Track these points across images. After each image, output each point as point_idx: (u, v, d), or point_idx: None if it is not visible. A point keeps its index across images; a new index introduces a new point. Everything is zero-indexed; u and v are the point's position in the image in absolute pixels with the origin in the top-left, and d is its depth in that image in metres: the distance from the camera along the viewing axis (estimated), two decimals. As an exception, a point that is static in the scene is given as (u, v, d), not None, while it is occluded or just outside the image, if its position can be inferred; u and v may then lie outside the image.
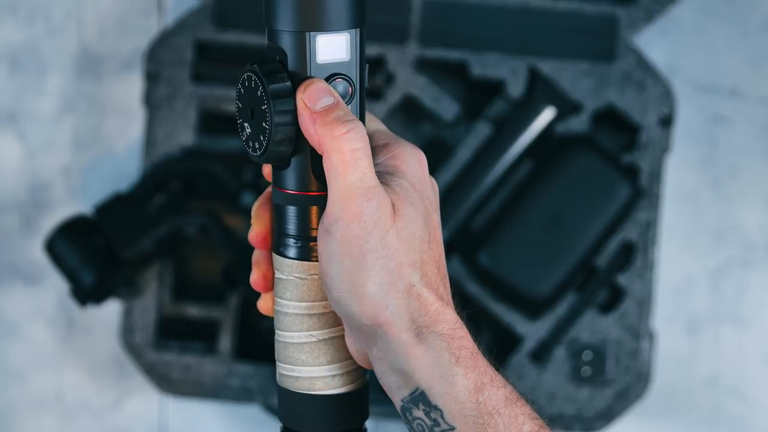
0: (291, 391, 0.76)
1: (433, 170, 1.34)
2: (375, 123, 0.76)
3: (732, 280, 1.48)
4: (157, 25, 1.50)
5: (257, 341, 1.43)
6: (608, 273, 1.38)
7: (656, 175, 1.38)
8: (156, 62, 1.40)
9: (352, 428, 0.77)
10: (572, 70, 1.39)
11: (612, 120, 1.41)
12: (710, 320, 1.48)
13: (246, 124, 0.74)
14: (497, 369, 0.72)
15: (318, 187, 0.73)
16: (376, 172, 0.72)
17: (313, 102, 0.71)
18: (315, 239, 0.73)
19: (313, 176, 0.73)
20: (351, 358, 0.75)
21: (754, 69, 1.48)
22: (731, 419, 1.47)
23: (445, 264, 0.73)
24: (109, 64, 1.50)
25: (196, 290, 1.46)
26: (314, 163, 0.72)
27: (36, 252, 1.48)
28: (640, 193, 1.37)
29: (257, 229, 0.77)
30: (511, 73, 1.39)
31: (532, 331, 1.38)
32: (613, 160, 1.37)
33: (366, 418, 0.78)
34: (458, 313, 0.72)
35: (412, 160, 0.73)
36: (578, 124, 1.39)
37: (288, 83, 0.71)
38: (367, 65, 0.74)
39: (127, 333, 1.40)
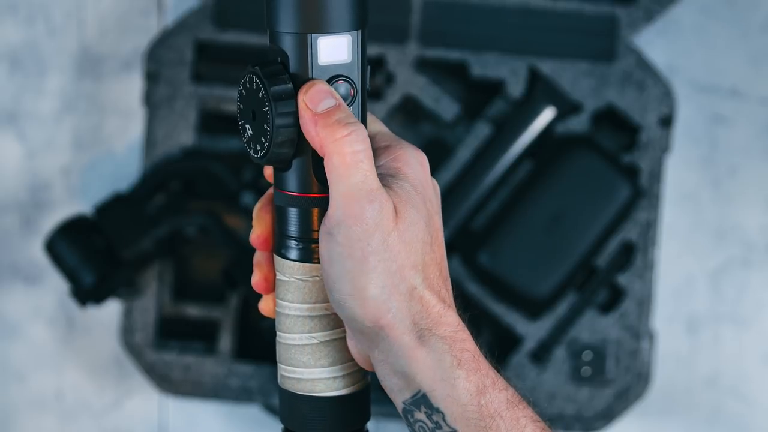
0: (292, 393, 0.76)
1: (433, 170, 1.34)
2: (377, 125, 0.76)
3: (732, 280, 1.48)
4: (157, 25, 1.50)
5: (257, 341, 1.43)
6: (608, 273, 1.38)
7: (656, 175, 1.38)
8: (156, 62, 1.40)
9: (354, 430, 0.77)
10: (572, 70, 1.39)
11: (612, 120, 1.41)
12: (710, 320, 1.48)
13: (247, 126, 0.74)
14: (499, 371, 0.72)
15: (319, 189, 0.73)
16: (377, 174, 0.72)
17: (315, 104, 0.71)
18: (316, 241, 0.73)
19: (315, 178, 0.73)
20: (352, 359, 0.75)
21: (754, 69, 1.48)
22: (731, 419, 1.47)
23: (447, 266, 0.73)
24: (109, 64, 1.50)
25: (196, 290, 1.46)
26: (316, 165, 0.72)
27: (36, 252, 1.48)
28: (640, 193, 1.37)
29: (258, 231, 0.77)
30: (511, 73, 1.39)
31: (532, 331, 1.38)
32: (613, 160, 1.37)
33: (367, 419, 0.78)
34: (460, 316, 0.72)
35: (413, 162, 0.73)
36: (578, 124, 1.39)
37: (289, 85, 0.71)
38: (369, 67, 0.74)
39: (127, 333, 1.40)
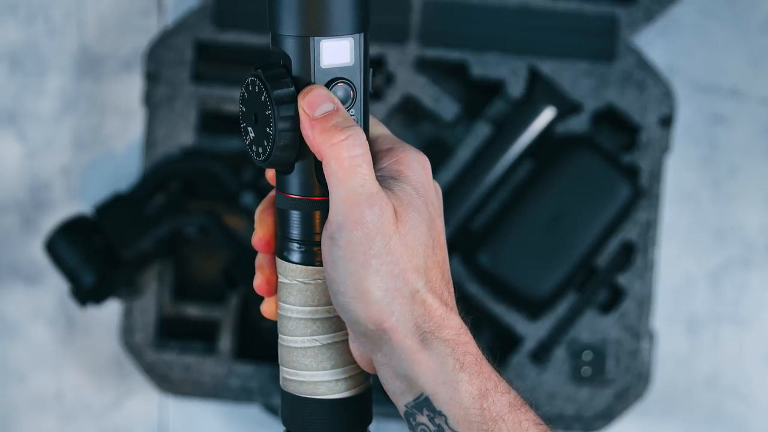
0: (294, 396, 0.76)
1: (433, 170, 1.34)
2: (379, 127, 0.76)
3: (732, 280, 1.48)
4: (157, 25, 1.49)
5: (257, 341, 1.43)
6: (608, 273, 1.38)
7: (656, 175, 1.38)
8: (156, 62, 1.40)
9: (356, 432, 0.77)
10: (572, 70, 1.39)
11: (612, 120, 1.41)
12: (710, 320, 1.48)
13: (249, 129, 0.73)
14: (501, 374, 0.72)
15: (321, 192, 0.73)
16: (379, 176, 0.72)
17: (313, 109, 0.71)
18: (319, 244, 0.73)
19: (317, 181, 0.73)
20: (355, 362, 0.75)
21: (754, 69, 1.48)
22: (731, 419, 1.47)
23: (449, 269, 0.73)
24: (109, 64, 1.50)
25: (196, 290, 1.46)
26: (318, 168, 0.72)
27: (36, 252, 1.47)
28: (640, 193, 1.37)
29: (260, 234, 0.77)
30: (511, 73, 1.39)
31: (532, 331, 1.38)
32: (613, 160, 1.37)
33: (369, 422, 0.78)
34: (463, 318, 0.72)
35: (415, 165, 0.73)
36: (578, 124, 1.39)
37: (292, 88, 0.71)
38: (372, 69, 0.74)
39: (127, 333, 1.40)
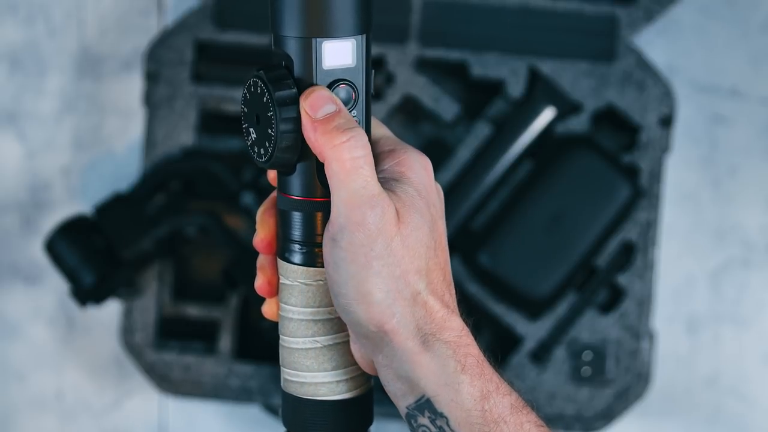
0: (295, 397, 0.76)
1: (433, 170, 1.34)
2: (381, 129, 0.76)
3: (732, 280, 1.48)
4: (157, 25, 1.49)
5: (257, 341, 1.43)
6: (608, 273, 1.38)
7: (656, 175, 1.38)
8: (156, 62, 1.40)
9: (357, 433, 0.77)
10: (572, 70, 1.39)
11: (612, 120, 1.41)
12: (710, 320, 1.48)
13: (251, 130, 0.73)
14: (502, 376, 0.72)
15: (323, 194, 0.73)
16: (381, 178, 0.72)
17: (315, 110, 0.71)
18: (320, 245, 0.73)
19: (319, 182, 0.73)
20: (356, 363, 0.75)
21: (754, 69, 1.48)
22: (731, 419, 1.47)
23: (450, 271, 0.73)
24: (109, 64, 1.50)
25: (196, 290, 1.46)
26: (319, 169, 0.72)
27: (36, 252, 1.47)
28: (640, 193, 1.37)
29: (262, 235, 0.77)
30: (511, 73, 1.39)
31: (532, 331, 1.38)
32: (613, 160, 1.37)
33: (370, 423, 0.78)
34: (464, 320, 0.72)
35: (417, 167, 0.73)
36: (578, 124, 1.39)
37: (294, 90, 0.71)
38: (373, 71, 0.74)
39: (127, 333, 1.40)
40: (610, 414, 1.37)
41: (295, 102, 0.71)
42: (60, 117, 1.50)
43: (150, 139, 1.40)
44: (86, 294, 1.35)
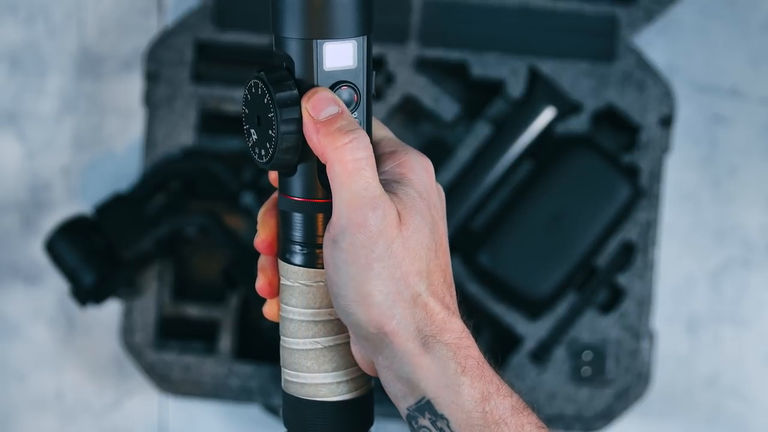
0: (296, 398, 0.76)
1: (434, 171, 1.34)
2: (383, 130, 0.76)
3: (732, 280, 1.48)
4: (157, 25, 1.49)
5: (257, 341, 1.43)
6: (608, 273, 1.38)
7: (656, 175, 1.38)
8: (156, 62, 1.40)
9: (357, 435, 0.77)
10: (572, 70, 1.39)
11: (612, 120, 1.41)
12: (710, 320, 1.48)
13: (252, 131, 0.73)
14: (502, 377, 0.72)
15: (324, 195, 0.73)
16: (382, 179, 0.72)
17: (317, 111, 0.71)
18: (321, 246, 0.73)
19: (320, 184, 0.73)
20: (356, 365, 0.75)
21: (754, 69, 1.48)
22: (731, 419, 1.47)
23: (451, 272, 0.73)
24: (109, 64, 1.50)
25: (196, 290, 1.46)
26: (321, 170, 0.72)
27: (36, 252, 1.47)
28: (640, 193, 1.37)
29: (263, 235, 0.77)
30: (511, 73, 1.39)
31: (532, 331, 1.38)
32: (613, 160, 1.37)
33: (371, 424, 0.78)
34: (465, 322, 0.72)
35: (419, 168, 0.73)
36: (578, 124, 1.39)
37: (295, 91, 0.71)
38: (375, 72, 0.74)
39: (127, 333, 1.40)
40: (610, 414, 1.37)
41: (295, 103, 0.71)
42: (60, 117, 1.50)
43: (150, 139, 1.40)
44: (86, 294, 1.35)
